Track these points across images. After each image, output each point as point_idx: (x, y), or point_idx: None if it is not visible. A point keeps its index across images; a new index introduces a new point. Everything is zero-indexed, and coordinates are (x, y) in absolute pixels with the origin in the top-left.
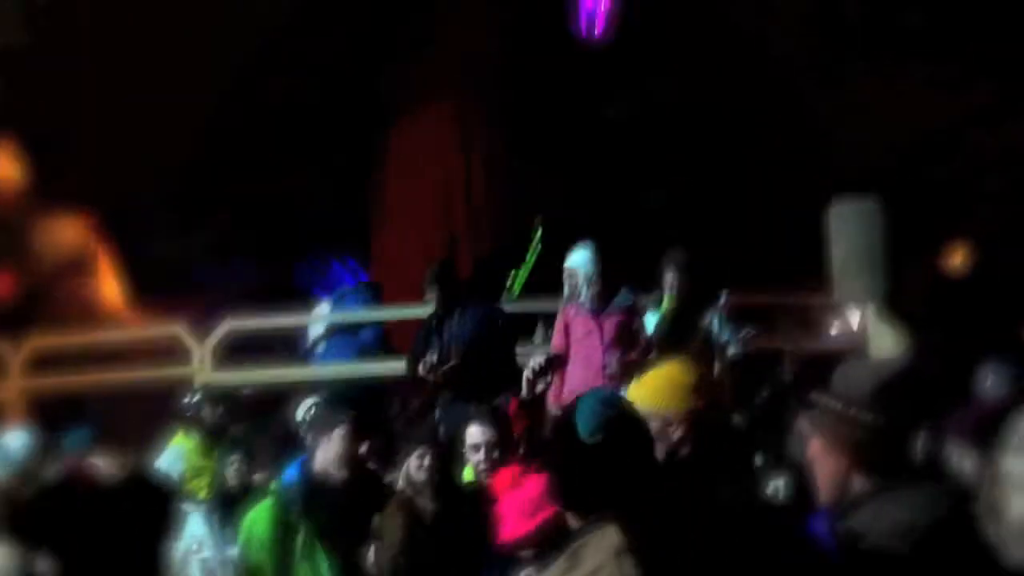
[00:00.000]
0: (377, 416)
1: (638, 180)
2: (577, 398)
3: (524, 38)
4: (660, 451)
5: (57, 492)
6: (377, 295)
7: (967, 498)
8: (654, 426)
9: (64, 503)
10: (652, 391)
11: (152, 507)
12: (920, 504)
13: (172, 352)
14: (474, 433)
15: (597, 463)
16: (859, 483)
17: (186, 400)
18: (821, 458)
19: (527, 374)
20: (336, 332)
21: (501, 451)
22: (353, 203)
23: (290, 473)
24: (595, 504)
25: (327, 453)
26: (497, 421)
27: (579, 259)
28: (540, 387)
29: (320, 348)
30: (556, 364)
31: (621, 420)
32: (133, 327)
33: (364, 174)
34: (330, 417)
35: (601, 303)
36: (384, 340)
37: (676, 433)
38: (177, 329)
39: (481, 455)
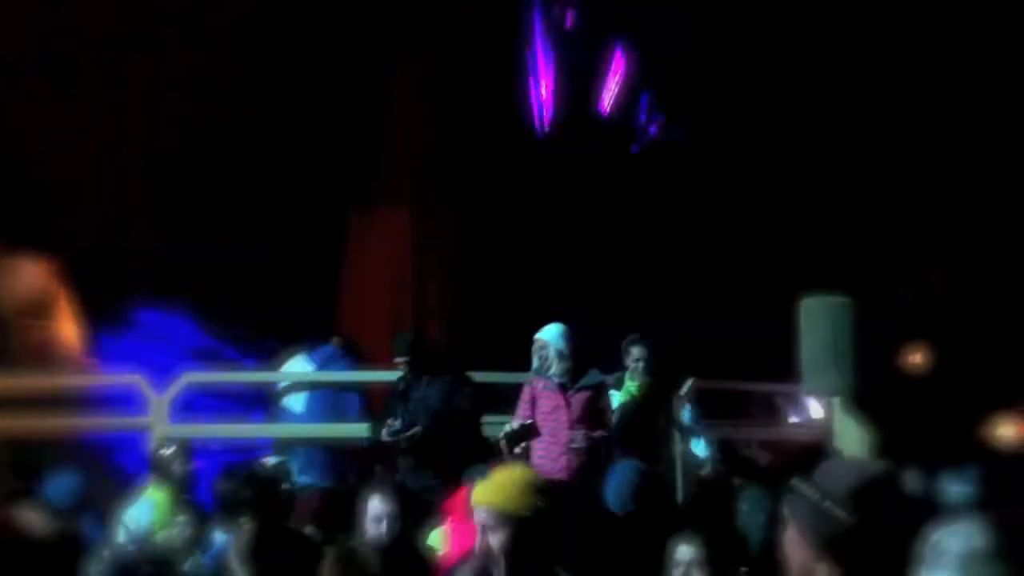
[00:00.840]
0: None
1: (604, 268)
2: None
3: (472, 134)
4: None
5: None
6: (354, 353)
7: None
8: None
9: None
10: (496, 489)
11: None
12: None
13: (130, 401)
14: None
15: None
16: (822, 574)
17: (156, 452)
18: (792, 545)
19: (502, 440)
20: (314, 391)
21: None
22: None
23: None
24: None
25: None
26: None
27: (551, 333)
28: (516, 452)
29: (293, 406)
30: (530, 431)
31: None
32: (91, 374)
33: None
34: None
35: (570, 379)
36: (367, 405)
37: (499, 533)
38: (136, 378)
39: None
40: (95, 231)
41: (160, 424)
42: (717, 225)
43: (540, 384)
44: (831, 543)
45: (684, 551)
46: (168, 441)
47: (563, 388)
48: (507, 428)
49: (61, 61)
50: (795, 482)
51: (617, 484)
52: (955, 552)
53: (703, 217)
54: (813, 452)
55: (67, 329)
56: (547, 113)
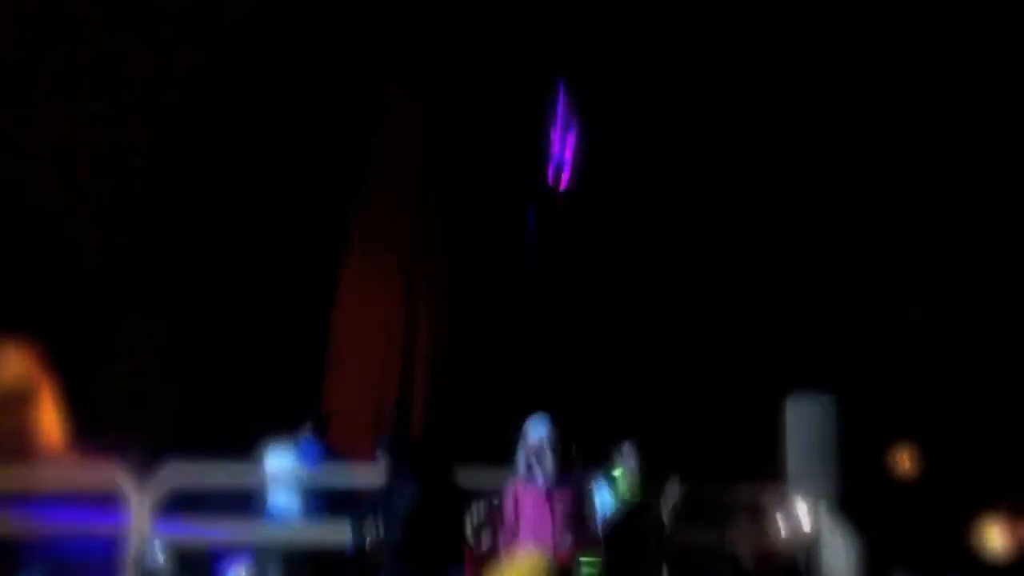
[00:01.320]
0: None
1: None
2: None
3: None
4: None
5: None
6: (324, 431)
7: None
8: None
9: None
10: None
11: None
12: None
13: (110, 498)
14: None
15: None
16: None
17: (136, 551)
18: None
19: (468, 530)
20: (293, 488)
21: None
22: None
23: None
24: None
25: None
26: None
27: (537, 431)
28: (486, 541)
29: (273, 504)
30: (495, 513)
31: None
32: (71, 468)
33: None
34: None
35: (555, 479)
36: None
37: None
38: (116, 474)
39: None
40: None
41: (141, 524)
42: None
43: (523, 484)
44: None
45: None
46: (150, 542)
47: (548, 488)
48: (472, 522)
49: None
50: None
51: None
52: None
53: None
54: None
55: (48, 418)
56: (564, 173)
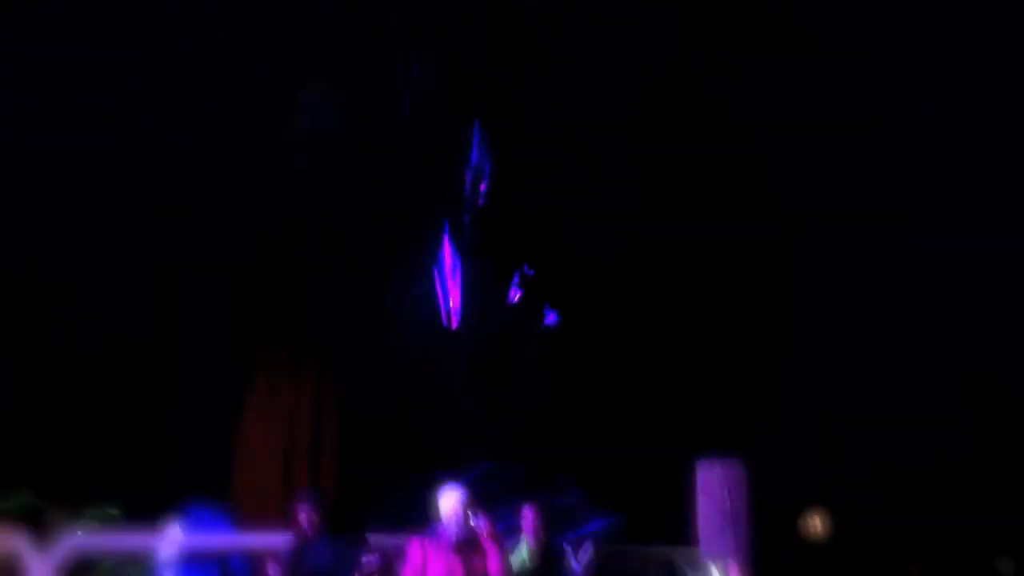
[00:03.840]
0: None
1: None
2: None
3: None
4: None
5: None
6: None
7: None
8: None
9: None
10: None
11: None
12: None
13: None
14: None
15: None
16: None
17: None
18: None
19: None
20: (196, 558)
21: None
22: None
23: None
24: None
25: None
26: None
27: (451, 497)
28: None
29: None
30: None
31: None
32: None
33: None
34: None
35: (464, 539)
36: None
37: None
38: (15, 544)
39: None
40: None
41: None
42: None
43: (431, 544)
44: None
45: None
46: None
47: (457, 548)
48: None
49: None
50: None
51: None
52: None
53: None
54: None
55: None
56: (455, 306)
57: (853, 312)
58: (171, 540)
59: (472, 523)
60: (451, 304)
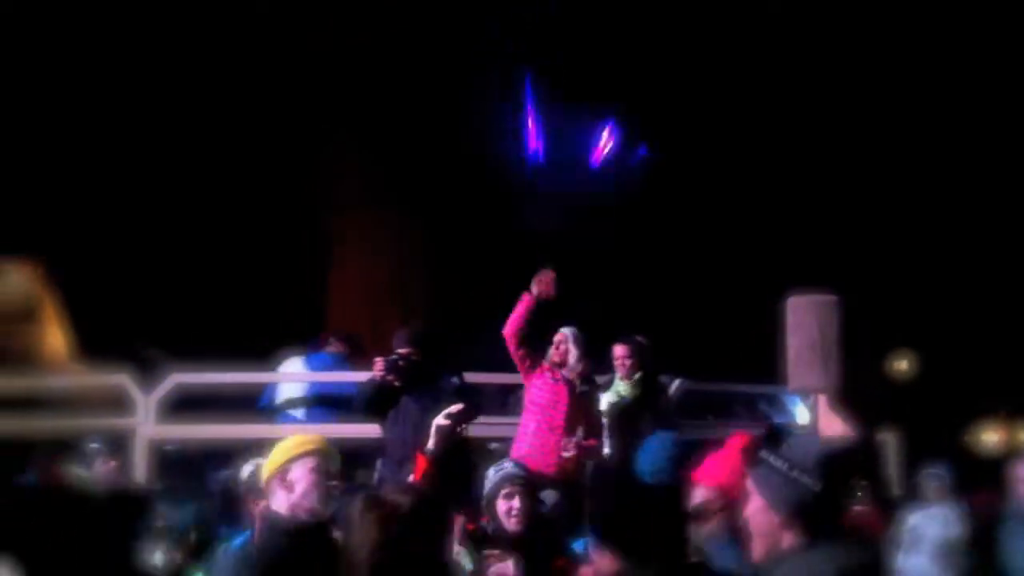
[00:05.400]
0: None
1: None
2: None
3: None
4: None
5: (32, 497)
6: (358, 352)
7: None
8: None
9: (40, 509)
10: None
11: (130, 517)
12: (837, 560)
13: (117, 403)
14: None
15: (662, 504)
16: (788, 540)
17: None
18: (757, 515)
19: (439, 422)
20: (315, 395)
21: None
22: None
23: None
24: (647, 548)
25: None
26: None
27: (572, 330)
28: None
29: (293, 410)
30: (470, 415)
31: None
32: (76, 375)
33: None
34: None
35: (575, 379)
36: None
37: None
38: (122, 379)
39: None
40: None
41: (147, 425)
42: (698, 228)
43: (549, 374)
44: (798, 510)
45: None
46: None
47: (568, 385)
48: (444, 414)
49: None
50: (763, 454)
51: (652, 454)
52: (932, 538)
53: (683, 220)
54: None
55: (53, 335)
56: (537, 151)
57: None
58: (292, 377)
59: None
60: (535, 148)
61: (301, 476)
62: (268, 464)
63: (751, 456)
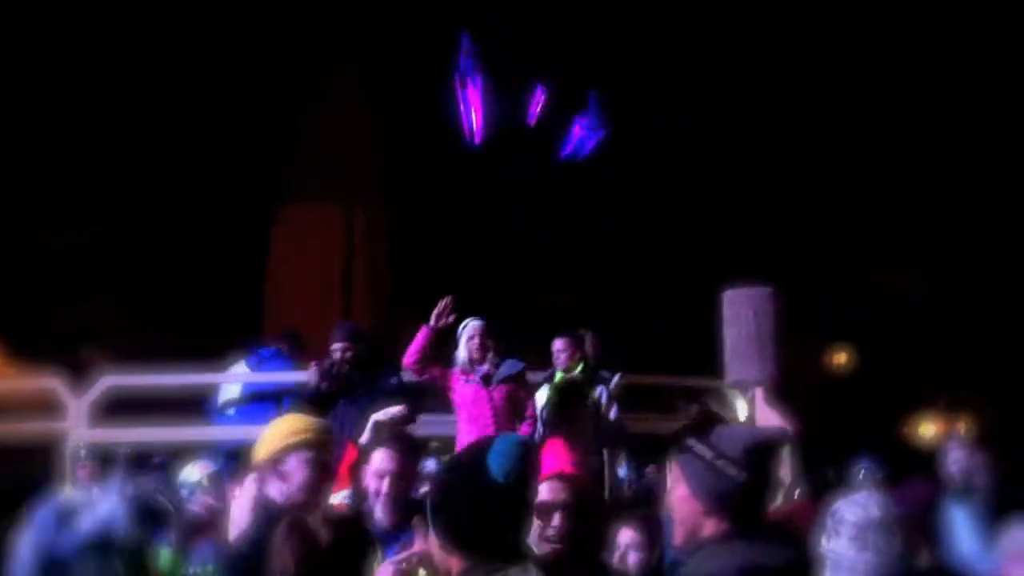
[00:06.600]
0: None
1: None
2: (488, 440)
3: (405, 136)
4: None
5: None
6: (298, 348)
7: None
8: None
9: None
10: None
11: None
12: (755, 552)
13: (47, 407)
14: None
15: (510, 504)
16: (708, 529)
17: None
18: (680, 502)
19: (377, 418)
20: (255, 397)
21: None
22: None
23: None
24: (493, 547)
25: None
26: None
27: (478, 324)
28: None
29: (231, 411)
30: (409, 419)
31: (534, 465)
32: (6, 379)
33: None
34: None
35: (492, 372)
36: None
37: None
38: (53, 382)
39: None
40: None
41: (78, 429)
42: (638, 221)
43: (462, 376)
44: (721, 499)
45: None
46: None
47: (485, 380)
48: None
49: None
50: (689, 442)
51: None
52: (851, 521)
53: (623, 212)
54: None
55: None
56: (478, 123)
57: None
58: (235, 378)
59: (495, 355)
60: (474, 120)
61: (296, 469)
62: (262, 446)
63: (678, 444)
